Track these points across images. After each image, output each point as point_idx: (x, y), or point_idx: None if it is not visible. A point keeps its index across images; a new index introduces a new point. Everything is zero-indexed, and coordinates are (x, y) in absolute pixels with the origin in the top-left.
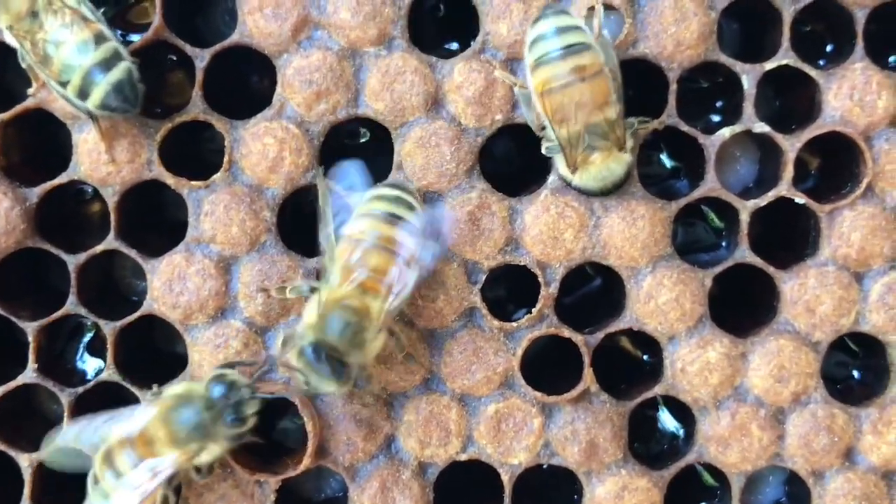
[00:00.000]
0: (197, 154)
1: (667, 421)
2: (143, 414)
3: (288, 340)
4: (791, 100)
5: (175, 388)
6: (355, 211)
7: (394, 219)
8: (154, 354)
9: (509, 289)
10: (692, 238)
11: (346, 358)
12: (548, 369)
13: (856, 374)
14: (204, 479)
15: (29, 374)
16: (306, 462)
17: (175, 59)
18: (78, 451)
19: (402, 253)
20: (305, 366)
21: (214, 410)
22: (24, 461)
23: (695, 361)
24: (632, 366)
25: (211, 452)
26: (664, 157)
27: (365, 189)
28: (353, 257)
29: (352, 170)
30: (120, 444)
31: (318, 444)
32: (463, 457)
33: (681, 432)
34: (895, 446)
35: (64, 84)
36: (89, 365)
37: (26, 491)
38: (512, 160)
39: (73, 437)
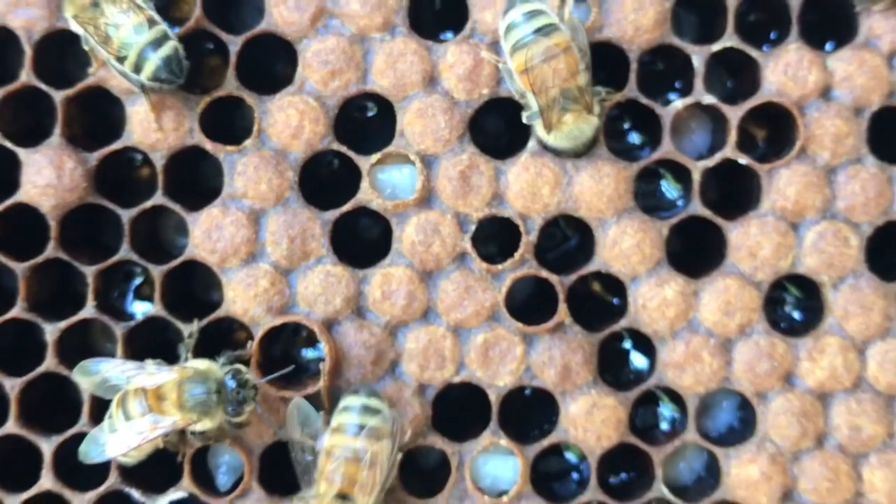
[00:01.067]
0: (230, 125)
1: (635, 359)
2: (164, 375)
3: None
4: (740, 80)
5: (198, 363)
6: (331, 423)
7: (359, 429)
8: (193, 301)
9: (497, 245)
10: (654, 202)
11: None
12: (531, 312)
13: (797, 315)
14: (197, 443)
15: (88, 310)
16: (324, 381)
17: (212, 46)
18: (102, 383)
19: (366, 459)
20: None
21: (221, 396)
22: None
23: (654, 298)
24: (602, 309)
25: (203, 425)
26: (630, 133)
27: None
28: (329, 468)
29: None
30: (135, 393)
31: (334, 367)
32: (456, 379)
33: (645, 365)
34: (827, 371)
35: (121, 60)
36: (138, 308)
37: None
38: (499, 135)
39: (104, 369)
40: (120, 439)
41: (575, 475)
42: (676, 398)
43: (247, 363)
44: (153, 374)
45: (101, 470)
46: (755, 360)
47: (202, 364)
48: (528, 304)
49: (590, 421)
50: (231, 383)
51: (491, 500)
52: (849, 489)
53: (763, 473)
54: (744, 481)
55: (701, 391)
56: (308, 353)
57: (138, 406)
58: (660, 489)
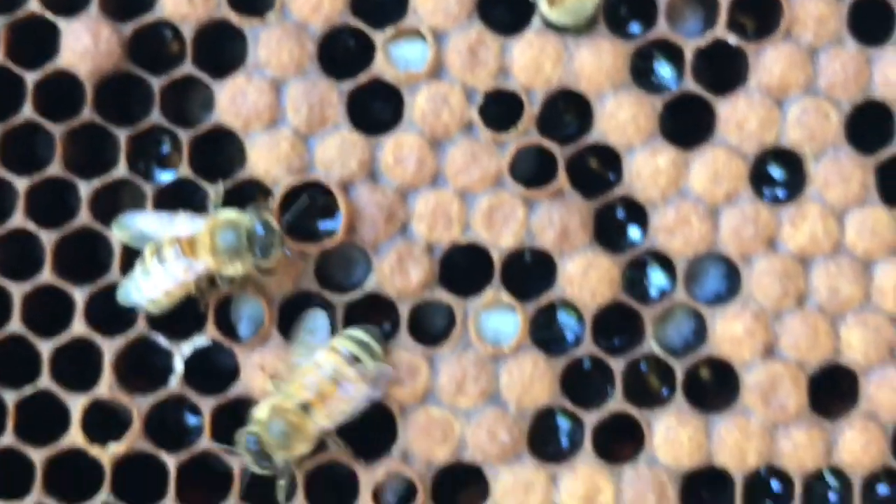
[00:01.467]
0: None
1: (630, 231)
2: (197, 224)
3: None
4: None
5: (228, 213)
6: (330, 340)
7: (353, 360)
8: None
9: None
10: (648, 83)
11: (274, 454)
12: (533, 182)
13: (780, 193)
14: (224, 288)
15: (121, 171)
16: (341, 236)
17: None
18: (138, 235)
19: (347, 388)
20: (242, 447)
21: (251, 241)
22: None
23: (647, 167)
24: (599, 182)
25: (234, 269)
26: (630, 23)
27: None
28: (308, 379)
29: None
30: (170, 242)
31: (349, 224)
32: (462, 240)
33: (638, 236)
34: (808, 236)
35: None
36: (164, 177)
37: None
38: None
39: (140, 222)
40: (155, 281)
41: (570, 336)
42: (667, 265)
43: None
44: (186, 223)
45: (129, 320)
46: (741, 226)
47: (232, 213)
48: (530, 178)
49: (585, 279)
50: (259, 229)
51: (493, 348)
52: (827, 346)
53: (747, 329)
54: (729, 337)
55: (689, 254)
56: (324, 225)
57: (173, 252)
58: (650, 346)
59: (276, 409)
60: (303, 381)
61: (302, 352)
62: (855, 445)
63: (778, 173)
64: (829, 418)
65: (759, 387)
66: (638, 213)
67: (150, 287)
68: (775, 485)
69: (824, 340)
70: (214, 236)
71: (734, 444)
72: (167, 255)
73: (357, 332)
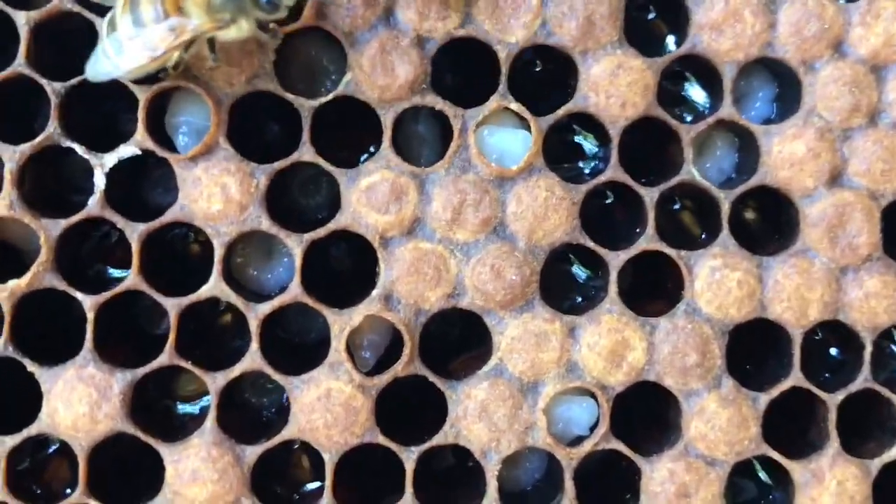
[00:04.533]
0: None
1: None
2: None
3: None
4: None
5: None
6: None
7: None
8: None
9: None
10: None
11: None
12: None
13: None
14: (215, 63)
15: None
16: (308, 14)
17: None
18: None
19: None
20: None
21: None
22: None
23: None
24: None
25: (239, 29)
26: None
27: None
28: None
29: None
30: None
31: (319, 4)
32: (460, 32)
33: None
34: (882, 37)
35: None
36: None
37: None
38: None
39: None
40: (131, 54)
41: (590, 166)
42: (709, 80)
43: None
44: None
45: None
46: (802, 21)
47: None
48: None
49: (614, 85)
50: None
51: (496, 167)
52: None
53: (810, 150)
54: (787, 160)
55: (740, 58)
56: None
57: (152, 10)
58: (689, 171)
59: None
60: None
61: None
62: None
63: None
64: None
65: (824, 221)
66: (674, 13)
67: (125, 60)
68: (834, 352)
69: None
70: None
71: (794, 291)
72: (145, 14)
73: None
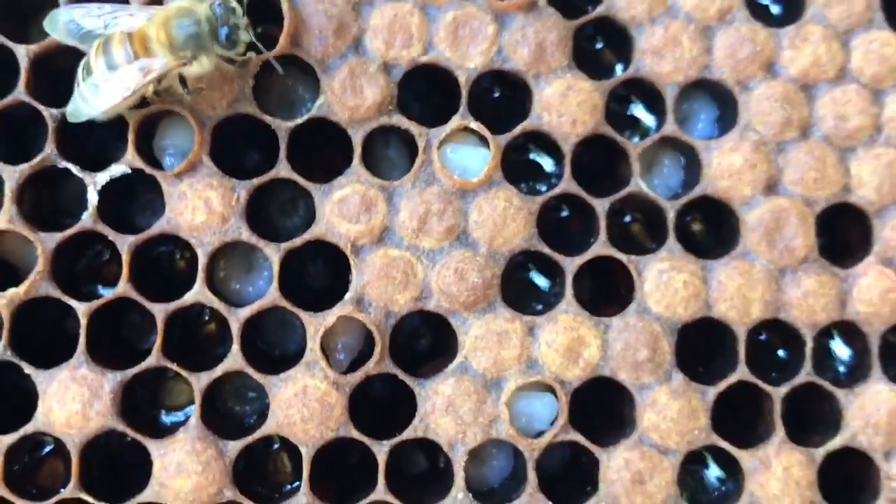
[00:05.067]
0: None
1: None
2: (145, 14)
3: None
4: None
5: (178, 1)
6: None
7: None
8: None
9: None
10: None
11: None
12: None
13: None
14: (187, 97)
15: None
16: (283, 43)
17: None
18: (76, 31)
19: None
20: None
21: (212, 26)
22: None
23: None
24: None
25: (201, 65)
26: None
27: None
28: None
29: None
30: (119, 39)
31: (293, 35)
32: (423, 59)
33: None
34: (810, 59)
35: None
36: None
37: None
38: None
39: (77, 16)
40: (107, 94)
41: (545, 183)
42: (653, 102)
43: None
44: (134, 15)
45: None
46: (736, 45)
47: (183, 1)
48: None
49: (564, 104)
50: (218, 10)
51: (459, 179)
52: (836, 181)
53: (747, 161)
54: (726, 170)
55: (680, 79)
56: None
57: (123, 53)
58: (637, 183)
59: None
60: None
61: None
62: (872, 294)
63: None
64: (840, 265)
65: (762, 225)
66: (620, 42)
67: (102, 101)
68: (781, 353)
69: (833, 175)
70: (170, 27)
71: (736, 291)
72: (117, 56)
73: None
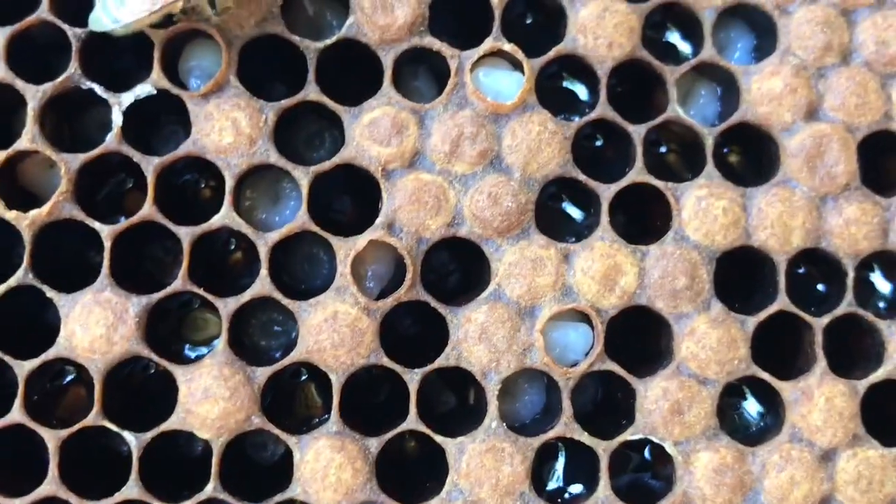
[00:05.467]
0: None
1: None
2: None
3: None
4: None
5: None
6: None
7: None
8: None
9: None
10: None
11: None
12: None
13: None
14: (215, 17)
15: None
16: None
17: None
18: None
19: None
20: None
21: None
22: None
23: None
24: None
25: None
26: None
27: None
28: None
29: None
30: None
31: None
32: None
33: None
34: None
35: None
36: None
37: None
38: None
39: None
40: (134, 4)
41: (580, 106)
42: (689, 27)
43: None
44: None
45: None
46: None
47: None
48: None
49: (601, 26)
50: None
51: (492, 102)
52: (878, 108)
53: (787, 85)
54: (766, 95)
55: (717, 3)
56: None
57: None
58: (674, 109)
59: None
60: None
61: None
62: None
63: None
64: (881, 194)
65: (803, 151)
66: None
67: (125, 13)
68: (821, 287)
69: (875, 101)
70: None
71: (777, 218)
72: None
73: None
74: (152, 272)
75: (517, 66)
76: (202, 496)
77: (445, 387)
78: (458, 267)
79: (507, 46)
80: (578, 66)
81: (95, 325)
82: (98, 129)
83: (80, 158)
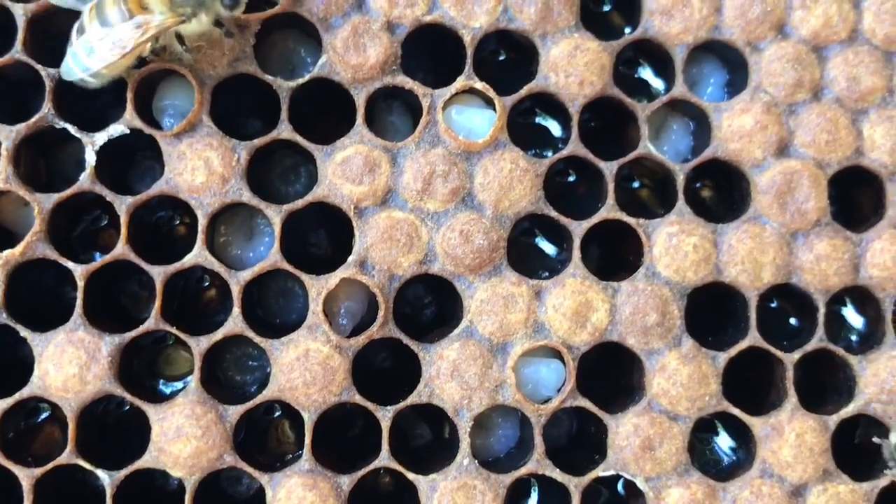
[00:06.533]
0: None
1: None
2: None
3: None
4: None
5: None
6: None
7: None
8: None
9: None
10: None
11: None
12: None
13: None
14: (187, 55)
15: None
16: (284, 1)
17: None
18: None
19: None
20: None
21: None
22: None
23: None
24: None
25: (199, 23)
26: None
27: None
28: None
29: None
30: (113, 1)
31: None
32: (427, 19)
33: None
34: (822, 19)
35: None
36: None
37: None
38: None
39: None
40: (100, 53)
41: (551, 147)
42: (661, 65)
43: None
44: None
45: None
46: (746, 5)
47: None
48: None
49: (572, 64)
50: None
51: (464, 140)
52: (848, 144)
53: (758, 122)
54: (737, 132)
55: (689, 40)
56: None
57: (117, 12)
58: (645, 146)
59: None
60: None
61: None
62: (885, 257)
63: None
64: (852, 230)
65: (773, 188)
66: (628, 4)
67: (95, 61)
68: (793, 322)
69: (845, 137)
70: None
71: (747, 254)
72: (111, 16)
73: None
74: (127, 307)
75: (490, 103)
76: None
77: (420, 419)
78: (434, 299)
79: (479, 85)
80: (551, 103)
81: (69, 364)
82: (74, 166)
83: (54, 198)
